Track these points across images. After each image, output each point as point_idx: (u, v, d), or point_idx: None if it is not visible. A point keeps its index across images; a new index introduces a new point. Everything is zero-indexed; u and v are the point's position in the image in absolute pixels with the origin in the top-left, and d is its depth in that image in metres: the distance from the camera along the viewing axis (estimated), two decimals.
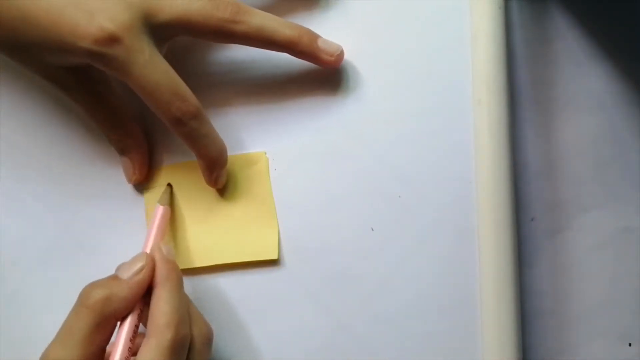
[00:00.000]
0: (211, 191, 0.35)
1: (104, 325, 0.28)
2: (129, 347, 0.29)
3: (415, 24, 0.35)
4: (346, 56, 0.35)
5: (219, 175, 0.34)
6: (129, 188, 0.36)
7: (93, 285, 0.29)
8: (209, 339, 0.31)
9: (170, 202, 0.35)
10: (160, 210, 0.34)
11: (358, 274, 0.35)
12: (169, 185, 0.35)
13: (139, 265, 0.30)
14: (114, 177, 0.36)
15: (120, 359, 0.28)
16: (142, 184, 0.36)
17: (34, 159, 0.37)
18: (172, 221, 0.36)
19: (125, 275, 0.29)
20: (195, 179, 0.35)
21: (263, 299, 0.35)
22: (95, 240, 0.36)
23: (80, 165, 0.36)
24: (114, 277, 0.30)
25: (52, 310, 0.36)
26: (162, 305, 0.29)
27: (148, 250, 0.32)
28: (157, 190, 0.36)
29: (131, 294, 0.29)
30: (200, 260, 0.35)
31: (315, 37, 0.33)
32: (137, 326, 0.29)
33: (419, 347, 0.34)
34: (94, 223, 0.36)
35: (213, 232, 0.35)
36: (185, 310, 0.30)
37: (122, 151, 0.35)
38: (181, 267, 0.35)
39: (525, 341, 0.34)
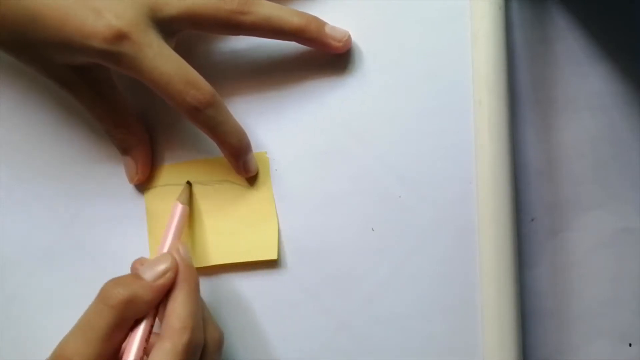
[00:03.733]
0: (212, 192, 0.35)
1: (124, 326, 0.28)
2: (144, 347, 0.29)
3: (416, 24, 0.35)
4: (347, 56, 0.35)
5: (246, 162, 0.34)
6: (129, 188, 0.36)
7: (115, 283, 0.29)
8: (220, 345, 0.31)
9: (190, 201, 0.35)
10: (179, 209, 0.33)
11: (358, 274, 0.35)
12: (189, 183, 0.35)
13: (163, 267, 0.29)
14: (114, 177, 0.36)
15: (135, 359, 0.28)
16: (143, 184, 0.36)
17: (34, 158, 0.37)
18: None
19: (149, 276, 0.29)
20: (196, 179, 0.35)
21: (263, 299, 0.35)
22: (95, 240, 0.36)
23: (80, 165, 0.36)
24: (137, 277, 0.29)
25: (52, 310, 0.36)
26: (178, 308, 0.29)
27: (166, 247, 0.31)
28: (158, 189, 0.36)
29: (154, 298, 0.29)
30: (200, 260, 0.35)
31: (323, 23, 0.33)
32: (152, 326, 0.29)
33: (420, 347, 0.34)
34: (94, 223, 0.36)
35: (213, 232, 0.35)
36: (200, 315, 0.30)
37: (125, 150, 0.35)
38: None
39: (525, 341, 0.34)
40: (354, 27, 0.35)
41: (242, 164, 0.34)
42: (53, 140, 0.37)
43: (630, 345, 0.35)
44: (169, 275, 0.29)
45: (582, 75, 0.35)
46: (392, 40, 0.35)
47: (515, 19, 0.35)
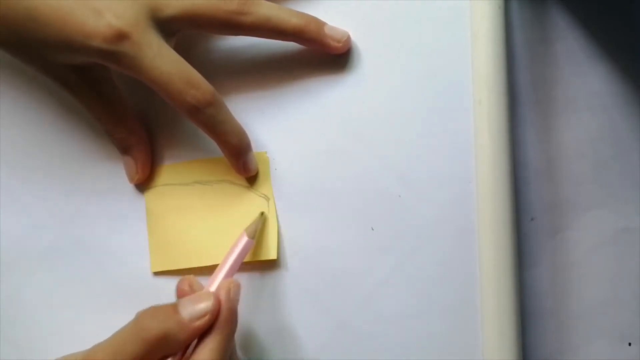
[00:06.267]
0: (212, 191, 0.35)
1: (152, 358, 0.28)
2: None
3: (416, 24, 0.35)
4: (347, 56, 0.35)
5: (246, 162, 0.34)
6: (129, 187, 0.36)
7: (153, 315, 0.28)
8: None
9: (258, 233, 0.34)
10: (243, 242, 0.32)
11: (358, 273, 0.35)
12: (262, 214, 0.34)
13: (203, 307, 0.29)
14: (114, 177, 0.36)
15: None
16: (142, 184, 0.36)
17: (34, 157, 0.37)
18: (173, 222, 0.36)
19: (186, 314, 0.28)
20: (196, 178, 0.35)
21: (263, 298, 0.35)
22: (95, 239, 0.36)
23: (80, 165, 0.36)
24: (175, 311, 0.28)
25: (52, 310, 0.36)
26: (205, 354, 0.28)
27: (217, 283, 0.31)
28: (158, 189, 0.36)
29: (187, 338, 0.28)
30: (200, 260, 0.35)
31: (322, 24, 0.33)
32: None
33: (419, 346, 0.34)
34: (94, 223, 0.36)
35: (213, 231, 0.35)
36: None
37: (125, 150, 0.35)
38: (181, 267, 0.35)
39: (525, 341, 0.34)
40: (354, 27, 0.35)
41: (242, 163, 0.34)
42: (53, 140, 0.37)
43: (629, 344, 0.35)
44: (207, 318, 0.29)
45: (582, 75, 0.35)
46: (392, 40, 0.35)
47: (515, 19, 0.35)
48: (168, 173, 0.36)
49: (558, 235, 0.35)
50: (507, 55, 0.34)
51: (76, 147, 0.36)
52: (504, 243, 0.33)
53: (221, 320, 0.29)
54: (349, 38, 0.34)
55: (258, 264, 0.35)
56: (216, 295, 0.29)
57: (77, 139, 0.36)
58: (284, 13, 0.32)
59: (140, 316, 0.28)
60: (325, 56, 0.35)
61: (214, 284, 0.31)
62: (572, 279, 0.35)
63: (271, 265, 0.35)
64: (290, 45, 0.35)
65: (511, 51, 0.35)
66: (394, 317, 0.34)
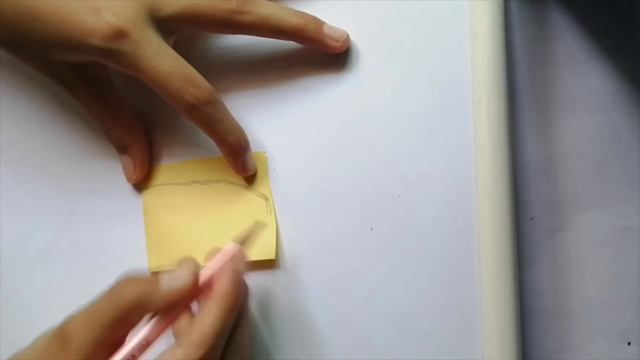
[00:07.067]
0: (210, 191, 0.35)
1: (128, 322, 0.28)
2: (143, 345, 0.28)
3: (415, 24, 0.35)
4: (346, 55, 0.35)
5: (245, 161, 0.34)
6: (127, 186, 0.36)
7: (130, 282, 0.28)
8: None
9: (249, 241, 0.32)
10: (230, 251, 0.31)
11: (357, 273, 0.35)
12: (257, 223, 0.33)
13: (182, 271, 0.29)
14: (112, 176, 0.36)
15: (124, 358, 0.28)
16: (140, 183, 0.36)
17: (31, 156, 0.37)
18: (171, 221, 0.36)
19: (165, 284, 0.28)
20: (194, 178, 0.35)
21: (261, 298, 0.35)
22: (94, 239, 0.36)
23: (78, 164, 0.36)
24: (154, 281, 0.28)
25: (51, 310, 0.36)
26: (205, 322, 0.28)
27: (210, 271, 0.30)
28: (156, 189, 0.36)
29: (162, 304, 0.28)
30: (199, 260, 0.35)
31: (321, 23, 0.33)
32: (160, 332, 0.29)
33: (419, 346, 0.34)
34: (92, 223, 0.36)
35: (211, 232, 0.35)
36: (225, 337, 0.29)
37: (123, 149, 0.35)
38: None
39: (525, 341, 0.34)
40: (354, 27, 0.35)
41: (240, 163, 0.34)
42: (51, 138, 0.37)
43: (629, 344, 0.35)
44: (182, 286, 0.28)
45: (581, 75, 0.35)
46: (392, 40, 0.35)
47: (514, 18, 0.35)
48: (166, 173, 0.36)
49: (557, 235, 0.35)
50: (507, 55, 0.34)
51: (74, 146, 0.36)
52: (503, 243, 0.33)
53: (223, 290, 0.29)
54: (348, 37, 0.34)
55: (256, 264, 0.35)
56: (193, 266, 0.29)
57: (76, 138, 0.36)
58: (283, 12, 0.32)
59: (118, 282, 0.28)
60: (324, 55, 0.35)
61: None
62: (572, 279, 0.35)
63: (270, 265, 0.35)
64: (290, 45, 0.35)
65: (511, 51, 0.35)
66: (393, 317, 0.34)
